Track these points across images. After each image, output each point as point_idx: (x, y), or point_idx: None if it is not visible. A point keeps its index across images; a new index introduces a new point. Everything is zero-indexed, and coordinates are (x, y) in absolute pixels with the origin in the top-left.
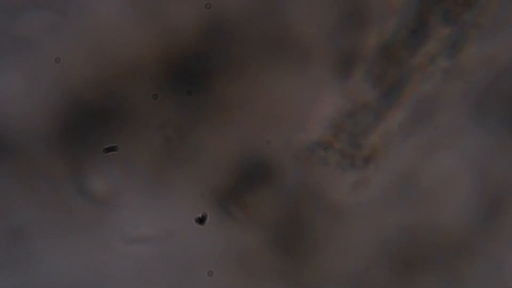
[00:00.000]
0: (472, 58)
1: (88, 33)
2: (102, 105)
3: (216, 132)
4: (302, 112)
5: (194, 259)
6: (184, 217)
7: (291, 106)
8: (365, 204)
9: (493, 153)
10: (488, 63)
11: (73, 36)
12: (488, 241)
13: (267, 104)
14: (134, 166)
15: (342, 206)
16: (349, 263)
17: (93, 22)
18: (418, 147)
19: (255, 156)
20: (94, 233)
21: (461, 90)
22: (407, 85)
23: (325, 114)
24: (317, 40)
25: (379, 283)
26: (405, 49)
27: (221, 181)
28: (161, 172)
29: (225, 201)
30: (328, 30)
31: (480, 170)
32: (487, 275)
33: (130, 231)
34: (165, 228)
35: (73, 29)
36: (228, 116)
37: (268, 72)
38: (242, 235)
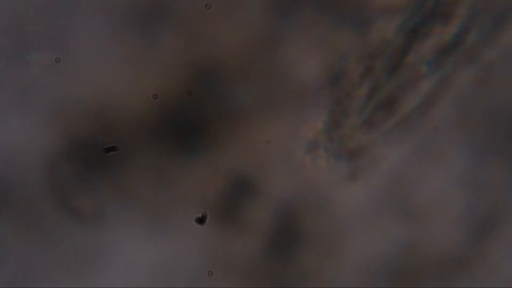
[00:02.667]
0: (465, 73)
1: (83, 77)
2: (97, 141)
3: (212, 147)
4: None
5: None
6: (178, 229)
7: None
8: (359, 216)
9: (484, 170)
10: (481, 72)
11: (70, 77)
12: (482, 255)
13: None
14: (130, 200)
15: (336, 213)
16: (343, 274)
17: (89, 67)
18: (411, 158)
19: (251, 162)
20: (91, 263)
21: (452, 102)
22: (402, 88)
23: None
24: (314, 79)
25: None
26: (404, 52)
27: (216, 190)
28: (155, 196)
29: (221, 209)
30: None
31: (471, 186)
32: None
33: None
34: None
35: (69, 70)
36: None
37: (264, 113)
38: (238, 242)
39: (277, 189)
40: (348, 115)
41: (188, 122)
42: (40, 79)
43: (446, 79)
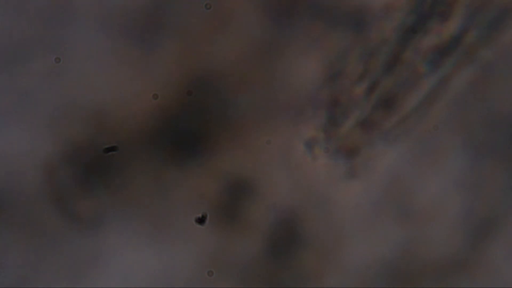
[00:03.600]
0: (463, 73)
1: (82, 81)
2: (96, 145)
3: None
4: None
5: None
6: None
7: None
8: (358, 216)
9: (483, 171)
10: (479, 74)
11: (66, 88)
12: (481, 257)
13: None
14: (130, 219)
15: (335, 213)
16: (343, 274)
17: (88, 71)
18: (410, 158)
19: (250, 163)
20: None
21: (449, 106)
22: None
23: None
24: (313, 77)
25: None
26: (402, 51)
27: (215, 192)
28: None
29: (221, 210)
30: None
31: (470, 188)
32: None
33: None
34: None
35: (68, 72)
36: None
37: (262, 125)
38: (237, 242)
39: (276, 189)
40: (347, 114)
41: (187, 125)
42: (39, 84)
43: (445, 79)
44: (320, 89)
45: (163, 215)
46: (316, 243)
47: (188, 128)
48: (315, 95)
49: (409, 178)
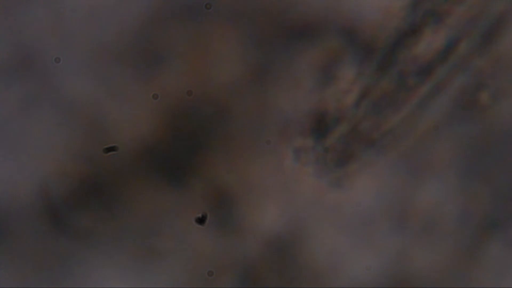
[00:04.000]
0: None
1: (74, 108)
2: (90, 179)
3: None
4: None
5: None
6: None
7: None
8: (351, 224)
9: (477, 181)
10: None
11: (58, 108)
12: (475, 265)
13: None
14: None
15: (327, 221)
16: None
17: (76, 97)
18: (400, 167)
19: (246, 173)
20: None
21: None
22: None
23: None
24: (296, 112)
25: None
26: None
27: (214, 197)
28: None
29: (222, 211)
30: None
31: (463, 196)
32: None
33: None
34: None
35: (67, 73)
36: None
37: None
38: (239, 244)
39: (269, 198)
40: (338, 122)
41: (183, 140)
42: (34, 99)
43: (436, 88)
44: (310, 100)
45: (156, 232)
46: (311, 248)
47: (183, 143)
48: (305, 106)
49: (400, 185)
